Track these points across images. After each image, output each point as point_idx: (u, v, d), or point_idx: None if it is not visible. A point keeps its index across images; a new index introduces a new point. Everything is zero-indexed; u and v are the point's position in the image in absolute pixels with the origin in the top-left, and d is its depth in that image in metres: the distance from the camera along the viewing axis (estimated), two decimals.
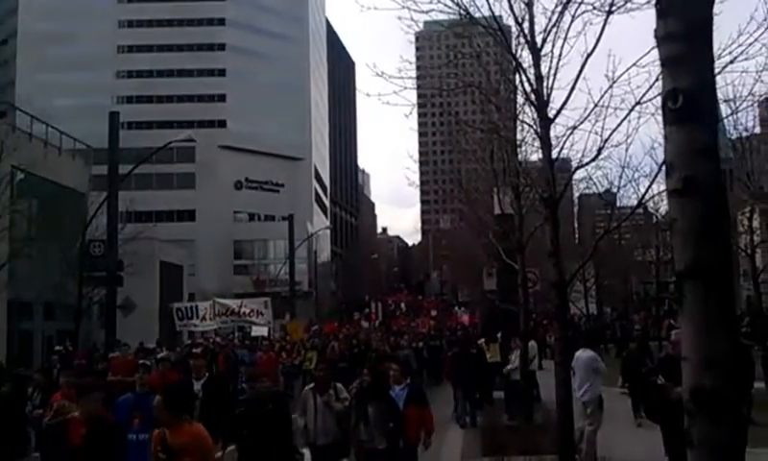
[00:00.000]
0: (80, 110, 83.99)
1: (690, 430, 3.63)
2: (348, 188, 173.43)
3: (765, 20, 11.56)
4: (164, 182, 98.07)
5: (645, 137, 27.92)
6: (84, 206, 40.34)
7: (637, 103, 11.08)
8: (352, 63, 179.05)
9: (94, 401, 8.35)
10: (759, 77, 14.57)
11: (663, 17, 3.79)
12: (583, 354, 15.00)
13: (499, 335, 23.46)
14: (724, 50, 10.85)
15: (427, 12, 13.24)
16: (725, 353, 3.59)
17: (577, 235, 55.54)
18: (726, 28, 10.61)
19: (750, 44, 11.00)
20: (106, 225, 34.65)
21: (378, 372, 11.23)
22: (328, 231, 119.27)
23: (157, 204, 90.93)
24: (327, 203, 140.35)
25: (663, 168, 3.97)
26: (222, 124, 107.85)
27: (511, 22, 13.03)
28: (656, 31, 3.84)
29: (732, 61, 11.02)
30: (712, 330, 3.59)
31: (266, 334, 31.15)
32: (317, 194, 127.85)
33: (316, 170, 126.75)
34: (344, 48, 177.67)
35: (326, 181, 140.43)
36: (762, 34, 11.25)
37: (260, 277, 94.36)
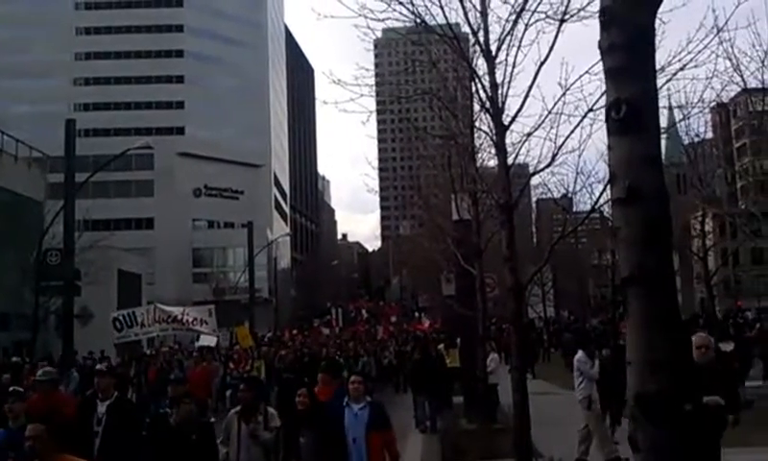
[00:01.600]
0: (36, 118, 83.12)
1: (635, 435, 3.67)
2: (308, 195, 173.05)
3: (714, 27, 11.77)
4: (122, 190, 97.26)
5: (599, 143, 28.15)
6: (40, 215, 39.95)
7: (590, 110, 11.17)
8: (311, 70, 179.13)
9: None
10: (709, 83, 14.86)
11: (607, 28, 3.84)
12: (576, 356, 15.38)
13: (458, 340, 23.54)
14: (674, 57, 11.02)
15: (383, 21, 13.29)
16: (668, 357, 3.63)
17: (535, 240, 55.90)
18: (675, 35, 10.80)
19: (699, 51, 11.16)
20: (62, 233, 34.27)
21: (312, 392, 9.62)
22: (288, 238, 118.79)
23: (115, 212, 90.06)
24: (287, 209, 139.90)
25: None
26: (180, 131, 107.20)
27: (467, 30, 13.12)
28: (600, 42, 3.89)
29: (682, 69, 11.18)
30: (655, 335, 3.64)
31: (213, 344, 29.83)
32: (276, 201, 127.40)
33: (275, 177, 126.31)
34: (303, 55, 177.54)
35: (286, 188, 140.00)
36: (711, 40, 11.43)
37: (219, 284, 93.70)
